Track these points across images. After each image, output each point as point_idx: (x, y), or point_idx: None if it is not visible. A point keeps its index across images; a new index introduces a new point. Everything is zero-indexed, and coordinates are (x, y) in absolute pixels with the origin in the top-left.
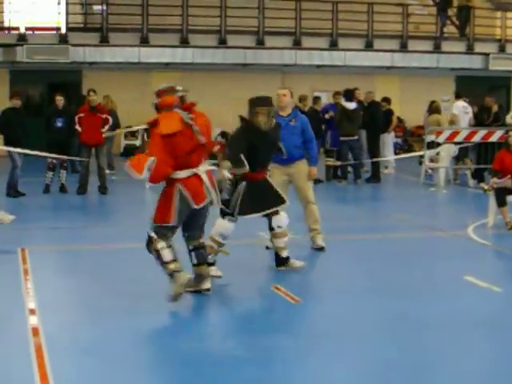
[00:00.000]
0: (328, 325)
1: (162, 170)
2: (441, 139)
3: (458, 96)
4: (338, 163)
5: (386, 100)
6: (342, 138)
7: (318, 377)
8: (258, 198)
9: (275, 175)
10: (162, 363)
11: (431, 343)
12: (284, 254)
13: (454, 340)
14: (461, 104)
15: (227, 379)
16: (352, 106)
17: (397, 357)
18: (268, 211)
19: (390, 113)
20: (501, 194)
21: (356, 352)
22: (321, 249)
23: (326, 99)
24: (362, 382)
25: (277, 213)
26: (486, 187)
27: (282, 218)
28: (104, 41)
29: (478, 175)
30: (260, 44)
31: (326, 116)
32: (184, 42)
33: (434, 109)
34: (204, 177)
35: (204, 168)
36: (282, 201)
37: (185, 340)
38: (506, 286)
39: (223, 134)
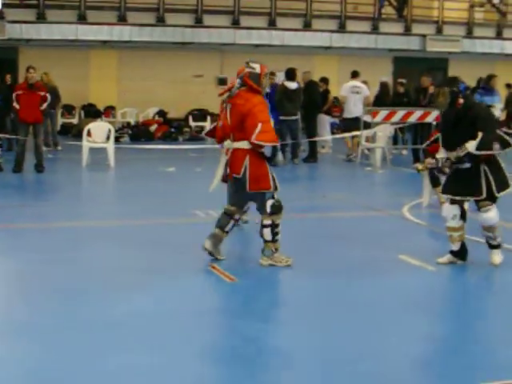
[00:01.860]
0: (262, 304)
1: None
2: (377, 119)
3: (353, 76)
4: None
5: (324, 80)
6: (281, 118)
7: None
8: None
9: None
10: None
11: (369, 322)
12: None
13: (392, 319)
14: (350, 84)
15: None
16: (293, 85)
17: (334, 336)
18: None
19: (326, 93)
20: (434, 174)
21: (290, 331)
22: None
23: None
24: (300, 362)
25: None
26: (419, 167)
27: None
28: (41, 17)
29: (414, 155)
30: (199, 23)
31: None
32: (122, 20)
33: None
34: None
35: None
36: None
37: (119, 314)
38: (440, 264)
39: (161, 113)
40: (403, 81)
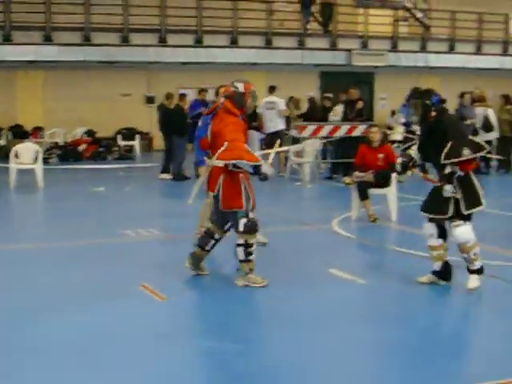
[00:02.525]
0: (193, 321)
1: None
2: (305, 134)
3: (270, 91)
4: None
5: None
6: None
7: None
8: None
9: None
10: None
11: (298, 335)
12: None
13: (323, 331)
14: (264, 101)
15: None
16: None
17: (269, 349)
18: None
19: (255, 109)
20: (362, 188)
21: (220, 347)
22: (264, 244)
23: (192, 96)
24: (214, 376)
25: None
26: (347, 181)
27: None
28: None
29: (344, 169)
30: (125, 41)
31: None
32: (47, 40)
33: (294, 104)
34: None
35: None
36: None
37: (44, 336)
38: (369, 278)
39: (89, 133)
40: (330, 95)
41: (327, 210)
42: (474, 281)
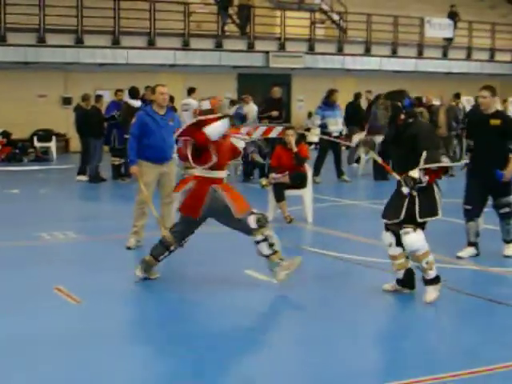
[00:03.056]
0: (106, 323)
1: None
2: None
3: (189, 93)
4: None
5: (170, 98)
6: (126, 136)
7: None
8: None
9: (148, 173)
10: None
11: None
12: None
13: (235, 334)
14: (181, 103)
15: None
16: (137, 103)
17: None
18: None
19: (173, 110)
20: (278, 190)
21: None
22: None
23: (109, 97)
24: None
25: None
26: (263, 182)
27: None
28: None
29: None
30: (41, 42)
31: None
32: None
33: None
34: None
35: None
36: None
37: None
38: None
39: (4, 134)
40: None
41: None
42: (431, 293)
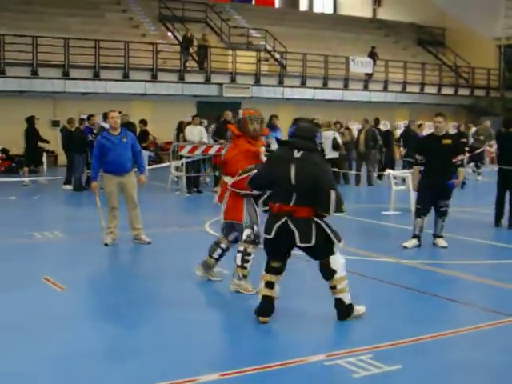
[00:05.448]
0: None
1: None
2: (183, 152)
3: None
4: None
5: (143, 122)
6: None
7: None
8: None
9: (109, 185)
10: None
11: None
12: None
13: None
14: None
15: None
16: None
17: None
18: None
19: (146, 132)
20: None
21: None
22: (149, 243)
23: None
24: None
25: None
26: (217, 190)
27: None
28: None
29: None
30: (34, 74)
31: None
32: None
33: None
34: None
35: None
36: None
37: None
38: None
39: (3, 151)
40: (204, 121)
41: (201, 214)
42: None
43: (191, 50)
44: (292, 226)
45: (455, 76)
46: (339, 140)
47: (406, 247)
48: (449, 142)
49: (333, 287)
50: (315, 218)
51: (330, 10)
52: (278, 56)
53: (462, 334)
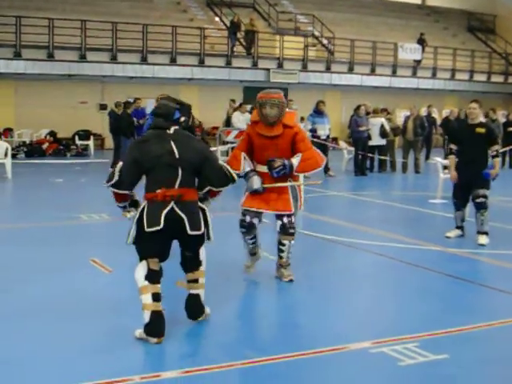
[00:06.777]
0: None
1: None
2: (230, 138)
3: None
4: None
5: (189, 107)
6: None
7: None
8: None
9: None
10: None
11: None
12: None
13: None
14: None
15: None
16: None
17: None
18: None
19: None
20: None
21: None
22: None
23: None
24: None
25: None
26: None
27: None
28: None
29: None
30: (83, 58)
31: (141, 122)
32: (17, 55)
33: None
34: None
35: None
36: None
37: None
38: None
39: (51, 133)
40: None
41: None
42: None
43: (239, 35)
44: (180, 213)
45: (505, 64)
46: (387, 127)
47: (448, 237)
48: (482, 131)
49: (194, 281)
50: (199, 203)
51: None
52: (325, 41)
53: (510, 325)
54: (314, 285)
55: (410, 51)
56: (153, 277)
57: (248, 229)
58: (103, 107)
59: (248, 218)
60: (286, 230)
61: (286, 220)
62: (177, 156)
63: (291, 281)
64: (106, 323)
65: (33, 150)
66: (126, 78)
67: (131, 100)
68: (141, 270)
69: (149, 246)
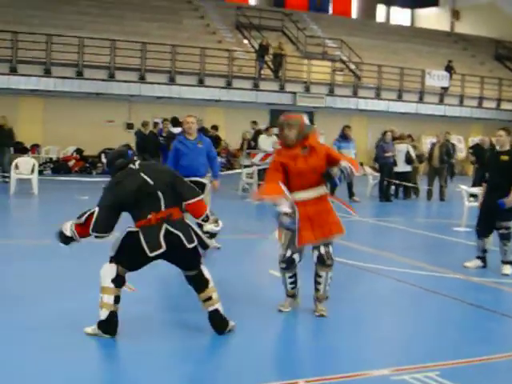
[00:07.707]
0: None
1: None
2: (256, 160)
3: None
4: None
5: (214, 127)
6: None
7: None
8: None
9: None
10: None
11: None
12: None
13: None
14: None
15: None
16: (177, 130)
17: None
18: None
19: (218, 138)
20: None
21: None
22: (218, 248)
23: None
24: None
25: None
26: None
27: None
28: None
29: None
30: (111, 77)
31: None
32: (47, 73)
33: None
34: None
35: None
36: None
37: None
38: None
39: (78, 151)
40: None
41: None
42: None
43: (266, 58)
44: (175, 231)
45: None
46: (412, 154)
47: (467, 267)
48: (506, 158)
49: (208, 299)
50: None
51: (407, 23)
52: (352, 66)
53: None
54: (338, 310)
55: (437, 78)
56: (120, 282)
57: (288, 264)
58: (130, 126)
59: (289, 253)
60: (323, 261)
61: (323, 250)
62: (151, 183)
63: (322, 316)
64: (137, 344)
65: (59, 166)
66: (153, 97)
67: (159, 120)
68: (109, 271)
69: (132, 262)
